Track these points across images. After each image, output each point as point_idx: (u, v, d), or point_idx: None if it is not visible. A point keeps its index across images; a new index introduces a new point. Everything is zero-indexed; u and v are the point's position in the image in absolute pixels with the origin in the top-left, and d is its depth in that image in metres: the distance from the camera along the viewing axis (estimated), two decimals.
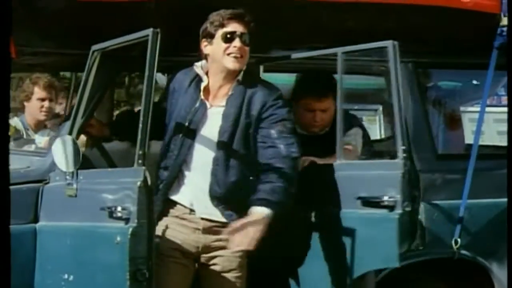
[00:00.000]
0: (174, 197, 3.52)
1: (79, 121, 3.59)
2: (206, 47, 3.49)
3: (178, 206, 3.51)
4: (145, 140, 3.12)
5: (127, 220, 3.16)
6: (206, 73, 3.53)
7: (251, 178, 3.44)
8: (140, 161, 3.12)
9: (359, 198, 3.57)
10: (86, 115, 3.64)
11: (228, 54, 3.42)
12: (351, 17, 4.01)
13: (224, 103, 3.49)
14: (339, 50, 3.73)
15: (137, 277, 3.09)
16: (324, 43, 3.86)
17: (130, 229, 3.11)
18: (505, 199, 4.03)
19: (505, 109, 6.25)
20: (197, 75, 3.55)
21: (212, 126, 3.47)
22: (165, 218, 3.50)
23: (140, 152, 3.12)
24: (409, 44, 3.81)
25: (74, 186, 3.44)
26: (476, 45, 4.13)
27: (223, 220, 3.45)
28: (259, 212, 3.27)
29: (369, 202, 3.55)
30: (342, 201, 3.66)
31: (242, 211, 3.34)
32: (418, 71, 4.43)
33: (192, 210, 3.49)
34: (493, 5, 4.25)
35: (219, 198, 3.44)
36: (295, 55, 4.02)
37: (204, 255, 3.51)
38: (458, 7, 4.15)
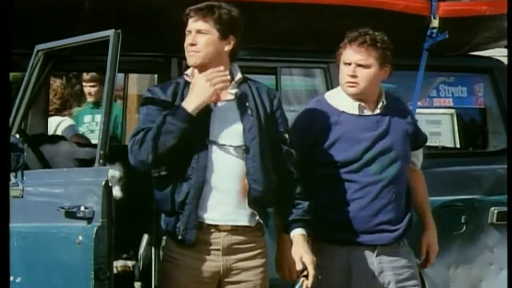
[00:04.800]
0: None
1: (18, 119, 3.56)
2: None
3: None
4: (106, 140, 3.13)
5: (89, 220, 3.15)
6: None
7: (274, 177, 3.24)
8: (101, 161, 3.13)
9: None
10: (23, 114, 3.62)
11: (188, 52, 3.18)
12: (286, 17, 4.06)
13: (228, 98, 3.21)
14: None
15: (100, 276, 3.10)
16: (261, 43, 3.92)
17: (95, 229, 3.11)
18: (440, 198, 4.28)
19: (437, 110, 6.43)
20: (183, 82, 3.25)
21: (226, 123, 3.18)
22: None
23: (101, 152, 3.12)
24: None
25: (20, 186, 3.38)
26: (407, 47, 4.20)
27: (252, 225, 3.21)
28: (301, 233, 3.19)
29: None
30: None
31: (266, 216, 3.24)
32: None
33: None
34: (423, 7, 4.37)
35: (257, 199, 3.17)
36: None
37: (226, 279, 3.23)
38: (389, 9, 4.25)
